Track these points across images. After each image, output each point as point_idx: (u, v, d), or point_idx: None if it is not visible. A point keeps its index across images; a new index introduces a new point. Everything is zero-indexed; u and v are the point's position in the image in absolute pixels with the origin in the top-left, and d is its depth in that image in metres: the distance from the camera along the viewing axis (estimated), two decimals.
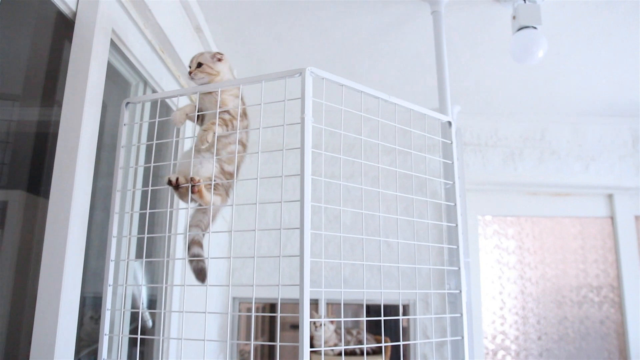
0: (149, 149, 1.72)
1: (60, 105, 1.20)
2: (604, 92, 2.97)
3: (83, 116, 1.17)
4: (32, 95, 1.26)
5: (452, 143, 1.33)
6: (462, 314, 1.23)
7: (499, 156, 3.35)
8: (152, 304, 1.96)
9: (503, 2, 1.96)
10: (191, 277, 1.15)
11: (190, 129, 1.68)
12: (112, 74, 1.52)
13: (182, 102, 1.34)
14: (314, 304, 2.81)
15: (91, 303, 1.42)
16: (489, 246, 3.35)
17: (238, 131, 1.18)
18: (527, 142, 3.38)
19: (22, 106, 1.22)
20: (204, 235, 1.20)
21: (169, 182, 1.13)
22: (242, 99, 1.23)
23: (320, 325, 2.34)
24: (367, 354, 2.60)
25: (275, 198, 2.91)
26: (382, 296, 1.12)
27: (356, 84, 1.10)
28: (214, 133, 1.12)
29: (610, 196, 3.42)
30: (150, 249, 1.84)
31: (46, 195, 1.15)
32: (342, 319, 1.24)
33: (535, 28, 1.89)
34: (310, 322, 0.91)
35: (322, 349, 0.95)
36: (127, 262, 1.27)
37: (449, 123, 1.35)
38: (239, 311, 3.06)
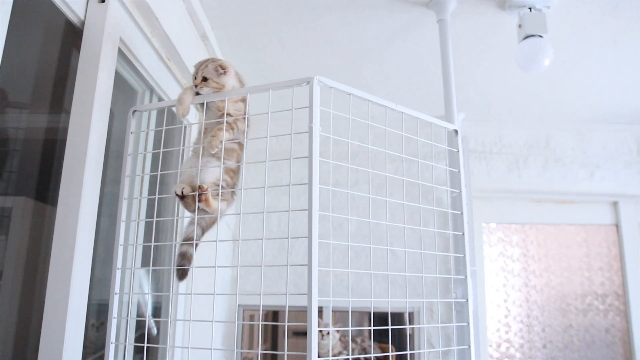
0: (155, 156, 1.72)
1: (68, 113, 1.20)
2: (609, 99, 2.96)
3: (91, 124, 1.18)
4: (40, 103, 1.27)
5: (458, 151, 1.33)
6: (469, 323, 1.23)
7: (504, 163, 3.34)
8: (156, 311, 1.95)
9: (508, 11, 1.96)
10: (197, 286, 1.15)
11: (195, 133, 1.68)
12: (119, 82, 1.53)
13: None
14: (319, 311, 2.79)
15: (95, 310, 1.41)
16: (493, 254, 3.33)
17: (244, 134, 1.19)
18: (532, 149, 3.37)
19: (31, 113, 1.23)
20: (203, 233, 1.21)
21: (176, 194, 1.13)
22: (244, 101, 1.23)
23: (327, 334, 2.33)
24: None
25: (279, 206, 2.90)
26: (390, 304, 1.12)
27: (363, 92, 1.10)
28: (222, 138, 1.12)
29: (615, 203, 3.40)
30: (155, 256, 1.83)
31: (53, 202, 1.15)
32: (350, 328, 1.23)
33: (541, 37, 1.89)
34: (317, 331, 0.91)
35: (330, 359, 0.94)
36: (133, 270, 1.27)
37: (455, 131, 1.35)
38: (242, 319, 3.04)
